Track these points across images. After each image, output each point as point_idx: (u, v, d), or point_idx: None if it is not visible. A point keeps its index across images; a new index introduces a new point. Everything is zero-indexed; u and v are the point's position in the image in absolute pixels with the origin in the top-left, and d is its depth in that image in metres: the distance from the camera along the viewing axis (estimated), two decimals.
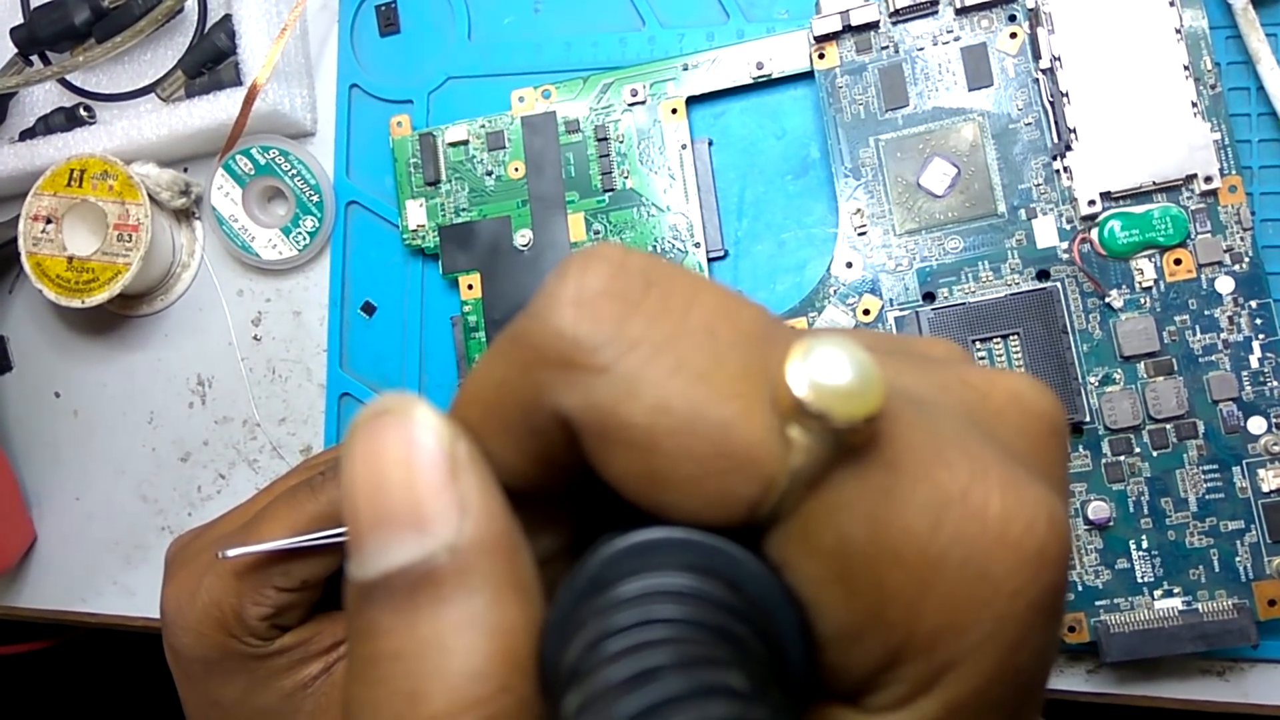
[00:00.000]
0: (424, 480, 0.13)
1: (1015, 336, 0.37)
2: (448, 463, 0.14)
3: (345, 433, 0.14)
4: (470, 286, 0.43)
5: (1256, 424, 0.35)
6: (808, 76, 0.41)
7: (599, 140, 0.42)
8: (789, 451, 0.12)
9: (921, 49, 0.38)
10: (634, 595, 0.13)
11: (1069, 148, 0.37)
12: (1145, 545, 0.36)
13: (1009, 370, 0.19)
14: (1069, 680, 0.38)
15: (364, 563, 0.13)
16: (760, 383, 0.13)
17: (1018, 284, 0.37)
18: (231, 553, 0.32)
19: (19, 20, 0.49)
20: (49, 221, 0.46)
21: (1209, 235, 0.36)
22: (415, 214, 0.44)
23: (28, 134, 0.49)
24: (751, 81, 0.41)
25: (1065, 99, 0.37)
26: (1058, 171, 0.37)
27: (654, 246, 0.41)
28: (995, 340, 0.37)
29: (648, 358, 0.13)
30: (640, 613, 0.12)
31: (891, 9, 0.38)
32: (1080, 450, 0.37)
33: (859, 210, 0.39)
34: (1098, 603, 0.36)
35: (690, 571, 0.13)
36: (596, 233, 0.42)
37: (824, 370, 0.12)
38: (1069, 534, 0.13)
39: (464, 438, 0.14)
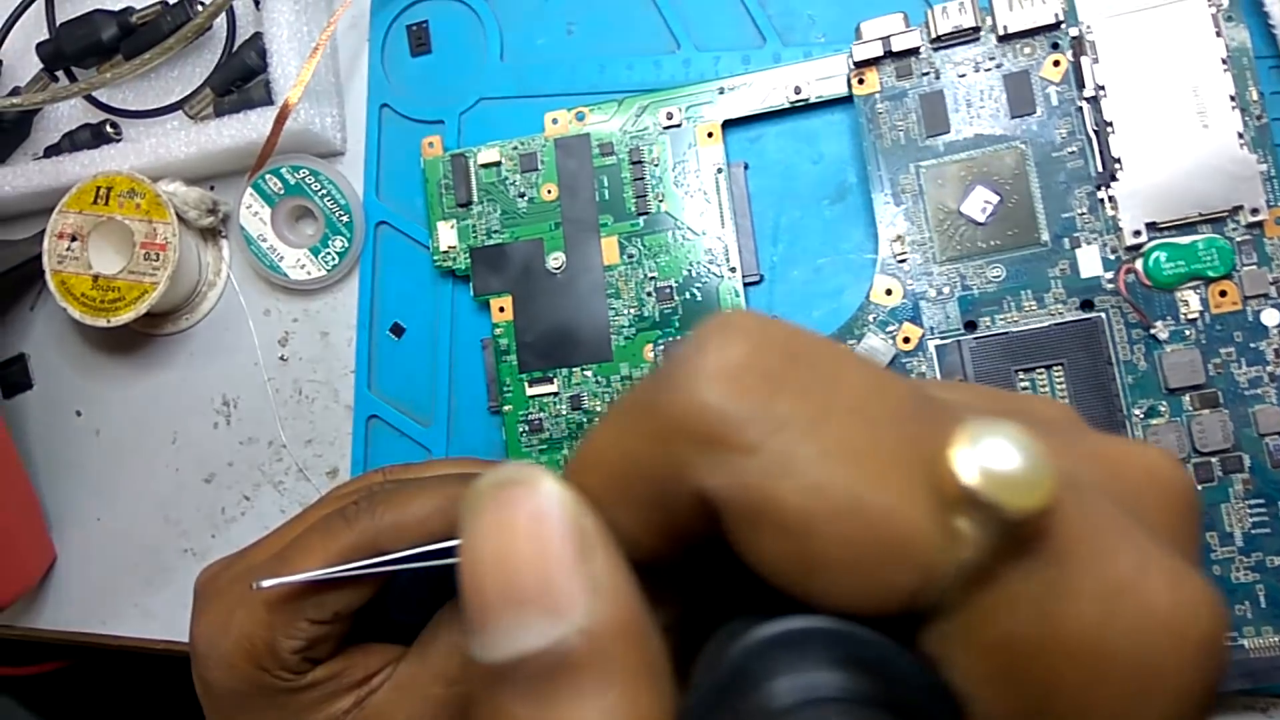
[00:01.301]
0: (555, 558, 0.13)
1: (1059, 367, 0.36)
2: (578, 539, 0.13)
3: (465, 503, 0.13)
4: (502, 309, 0.43)
5: None
6: (845, 101, 0.41)
7: (633, 163, 0.42)
8: (954, 542, 0.12)
9: (963, 75, 0.38)
10: (795, 702, 0.12)
11: (1114, 177, 0.36)
12: None
13: (1138, 441, 0.18)
14: None
15: (493, 644, 0.13)
16: (918, 466, 0.12)
17: (1061, 314, 0.37)
18: (266, 583, 0.31)
19: (46, 36, 0.49)
20: (74, 239, 0.46)
21: (1255, 267, 0.36)
22: (446, 235, 0.43)
23: (53, 150, 0.49)
24: (788, 106, 0.41)
25: (1110, 128, 0.36)
26: (1102, 201, 0.37)
27: (689, 271, 0.41)
28: (1039, 370, 0.37)
29: (799, 437, 0.12)
30: None
31: (933, 35, 0.38)
32: None
33: (899, 237, 0.38)
34: None
35: (845, 668, 0.12)
36: (630, 256, 0.42)
37: (994, 457, 0.12)
38: (1226, 623, 0.13)
39: (591, 512, 0.13)
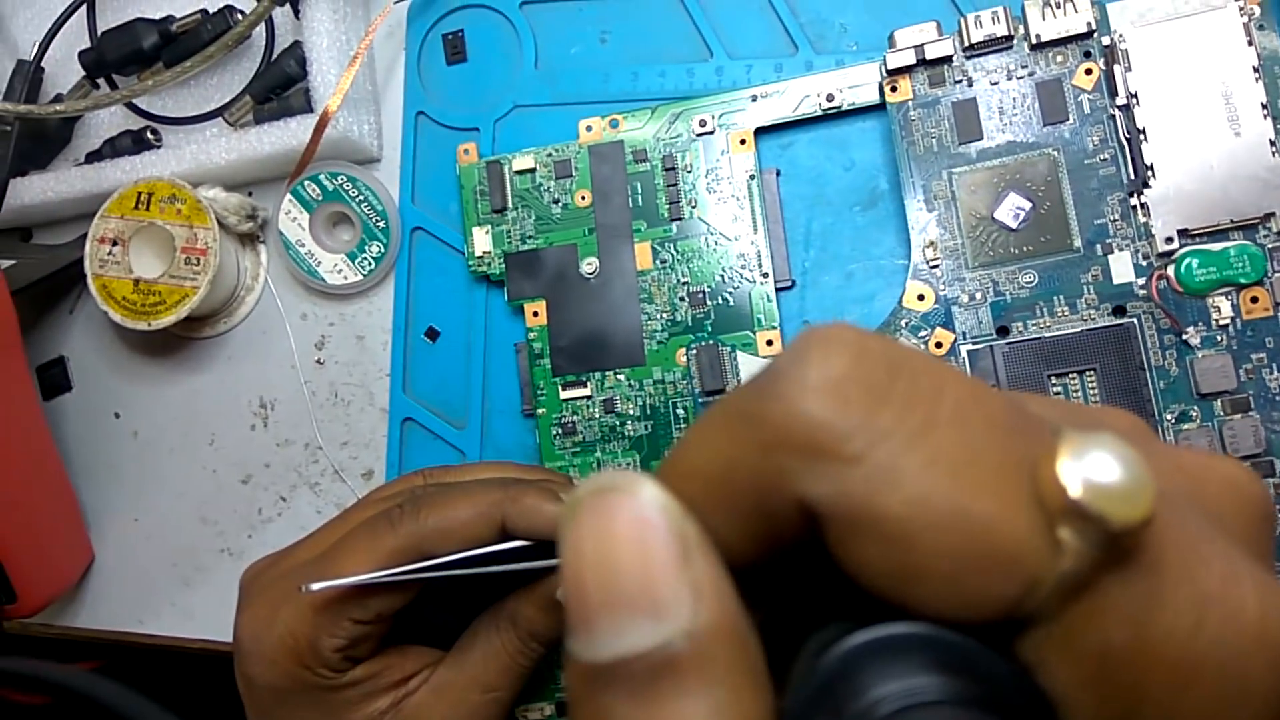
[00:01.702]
0: (658, 562, 0.13)
1: (1091, 372, 0.37)
2: (679, 544, 0.13)
3: (565, 508, 0.14)
4: (536, 314, 0.43)
5: None
6: (877, 109, 0.41)
7: (666, 170, 0.43)
8: (1056, 553, 0.12)
9: (996, 83, 0.39)
10: (898, 706, 0.12)
11: (1146, 184, 0.37)
12: None
13: (1216, 454, 0.19)
14: None
15: (596, 644, 0.13)
16: (1020, 478, 0.13)
17: (1094, 319, 0.37)
18: (315, 586, 0.32)
19: (87, 44, 0.50)
20: (115, 244, 0.47)
21: None
22: (481, 241, 0.44)
23: (94, 156, 0.50)
24: (820, 113, 0.41)
25: (1142, 136, 0.37)
26: (1134, 208, 0.37)
27: (721, 276, 0.42)
28: (1071, 376, 0.37)
29: (902, 448, 0.12)
30: None
31: (966, 43, 0.39)
32: None
33: (932, 243, 0.39)
34: None
35: (945, 672, 0.12)
36: (663, 261, 0.42)
37: (1098, 469, 0.12)
38: None
39: (691, 518, 0.14)
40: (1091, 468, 0.12)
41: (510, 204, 0.44)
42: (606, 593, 0.13)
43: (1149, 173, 0.36)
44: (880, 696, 0.12)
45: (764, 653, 0.13)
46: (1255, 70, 0.36)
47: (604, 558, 0.13)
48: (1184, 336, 0.36)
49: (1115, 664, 0.13)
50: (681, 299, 0.42)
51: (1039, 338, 0.37)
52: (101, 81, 0.50)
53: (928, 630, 0.13)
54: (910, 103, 0.39)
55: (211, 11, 0.48)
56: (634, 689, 0.13)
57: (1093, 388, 0.37)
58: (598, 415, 0.42)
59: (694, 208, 0.42)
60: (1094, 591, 0.13)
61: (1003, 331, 0.38)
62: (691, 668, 0.13)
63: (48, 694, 0.22)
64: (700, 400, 0.41)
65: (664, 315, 0.42)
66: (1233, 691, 0.12)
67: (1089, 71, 0.38)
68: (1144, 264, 0.37)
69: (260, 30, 0.48)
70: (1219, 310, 0.36)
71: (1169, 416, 0.36)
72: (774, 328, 0.41)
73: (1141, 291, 0.37)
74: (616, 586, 0.13)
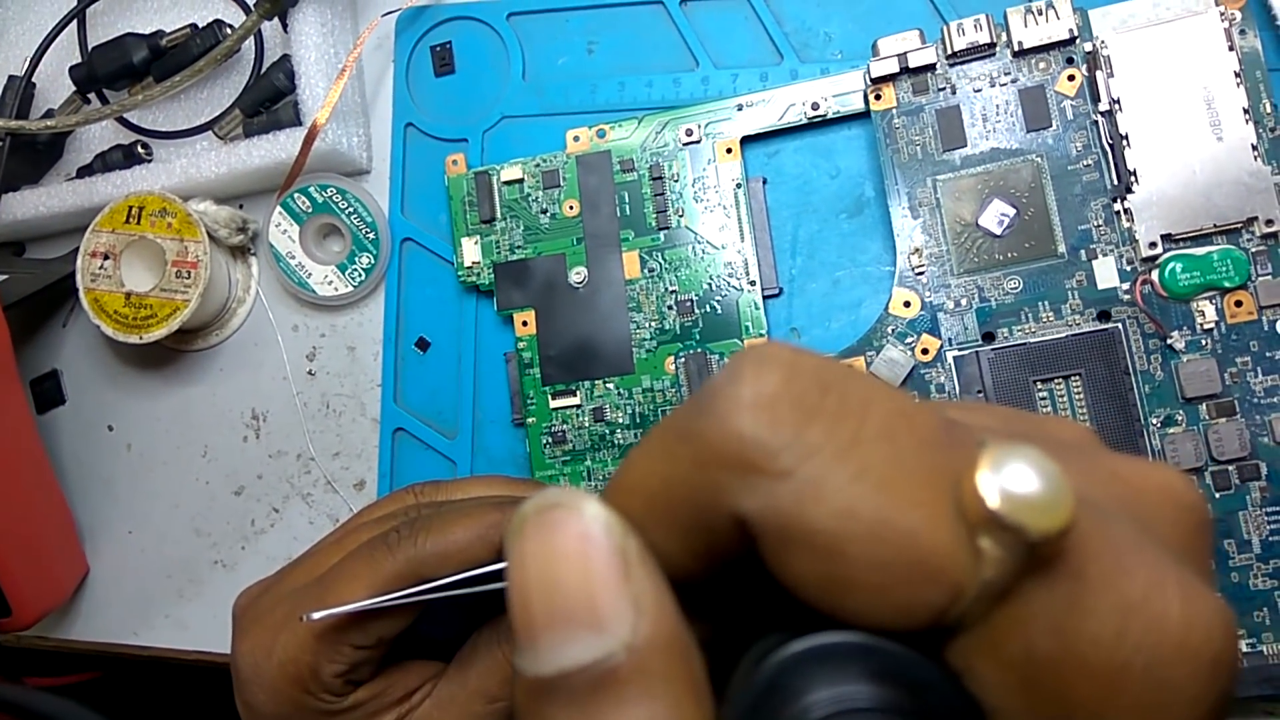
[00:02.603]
0: (599, 577, 0.13)
1: (1077, 377, 0.37)
2: (620, 559, 0.14)
3: (511, 525, 0.14)
4: (525, 323, 0.43)
5: None
6: (862, 117, 0.41)
7: (654, 179, 0.43)
8: (978, 562, 0.13)
9: (979, 90, 0.39)
10: (828, 713, 0.12)
11: (1129, 190, 0.37)
12: None
13: (1153, 462, 0.19)
14: None
15: (539, 659, 0.13)
16: (944, 490, 0.13)
17: (1079, 324, 0.37)
18: (316, 615, 0.32)
19: (78, 59, 0.50)
20: (106, 258, 0.47)
21: (1270, 277, 0.36)
22: (470, 251, 0.44)
23: (85, 171, 0.50)
24: (806, 121, 0.42)
25: (1125, 141, 0.37)
26: (1118, 213, 0.37)
27: (709, 284, 0.42)
28: (1056, 381, 0.37)
29: (830, 463, 0.13)
30: None
31: (949, 51, 0.39)
32: None
33: (917, 249, 0.39)
34: None
35: (876, 681, 0.13)
36: (651, 270, 0.42)
37: (1015, 481, 0.12)
38: (1237, 639, 0.14)
39: (633, 534, 0.14)
40: (1009, 479, 0.12)
41: (499, 214, 0.44)
42: (550, 607, 0.13)
43: (1132, 178, 0.37)
44: (812, 703, 0.13)
45: (706, 665, 0.14)
46: (1236, 75, 0.36)
47: (547, 573, 0.13)
48: (1169, 341, 0.37)
49: (1041, 671, 0.13)
50: (670, 307, 0.42)
51: (1024, 343, 0.37)
52: (92, 96, 0.51)
53: (860, 639, 0.13)
54: (894, 110, 0.40)
55: (200, 26, 0.48)
56: (576, 701, 0.13)
57: (1078, 393, 0.37)
58: (587, 424, 0.42)
59: (681, 216, 0.42)
60: (1017, 599, 0.13)
61: (988, 337, 0.38)
62: (632, 680, 0.13)
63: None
64: None
65: (652, 324, 0.42)
66: (1157, 698, 0.13)
67: (1071, 78, 0.38)
68: (1128, 269, 0.37)
69: (249, 44, 0.48)
70: (1203, 314, 0.36)
71: (1154, 421, 0.37)
72: (762, 335, 0.41)
73: (1126, 296, 0.37)
74: (559, 601, 0.13)
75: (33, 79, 0.51)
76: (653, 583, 0.14)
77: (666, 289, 0.42)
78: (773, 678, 0.13)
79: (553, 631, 0.13)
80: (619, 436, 0.42)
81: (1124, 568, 0.13)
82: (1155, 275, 0.37)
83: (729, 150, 0.42)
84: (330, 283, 0.46)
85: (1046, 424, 0.17)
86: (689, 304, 0.42)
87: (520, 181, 0.44)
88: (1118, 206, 0.37)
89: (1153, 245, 0.36)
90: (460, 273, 0.44)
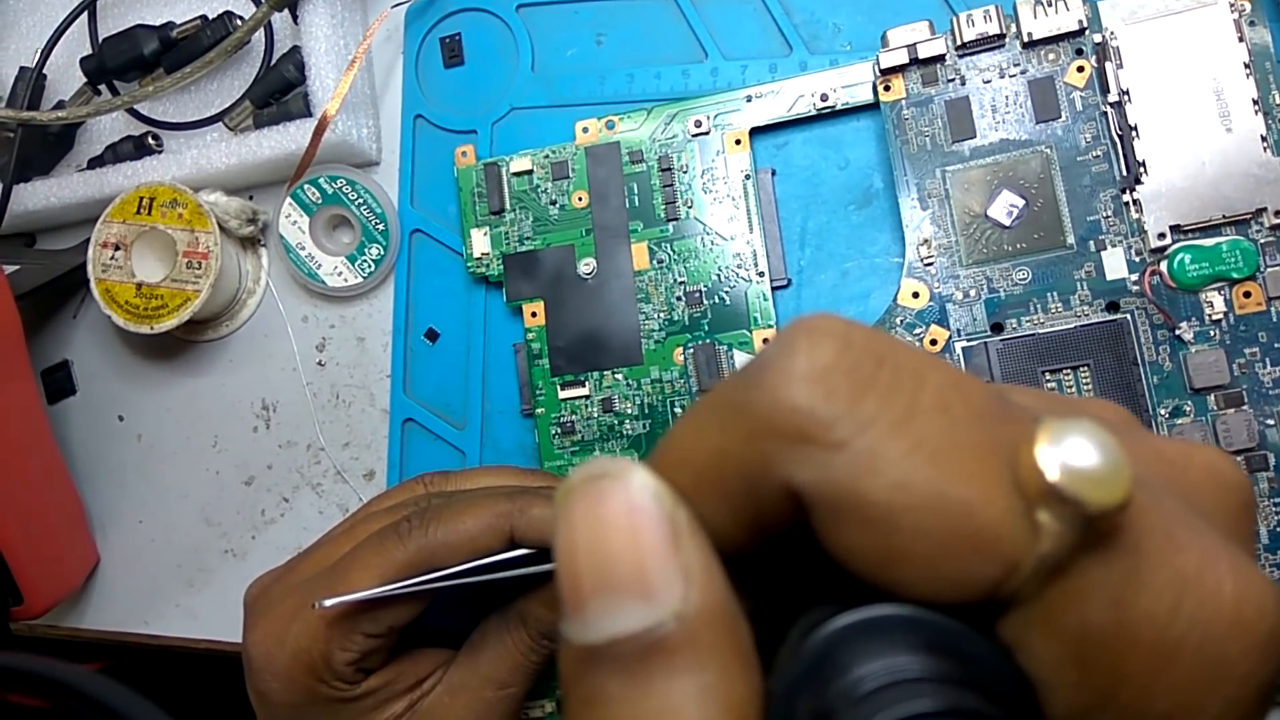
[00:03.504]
0: (649, 546, 0.13)
1: (1085, 368, 0.37)
2: (670, 529, 0.13)
3: (558, 494, 0.14)
4: (534, 314, 0.43)
5: None
6: (871, 108, 0.41)
7: (663, 170, 0.43)
8: (1035, 536, 0.13)
9: (988, 81, 0.39)
10: (880, 684, 0.12)
11: (1138, 181, 0.37)
12: None
13: (1197, 442, 0.19)
14: None
15: (587, 627, 0.13)
16: (999, 463, 0.13)
17: (1087, 315, 0.37)
18: (328, 603, 0.32)
19: (89, 50, 0.50)
20: (118, 248, 0.47)
21: (1279, 268, 0.36)
22: (480, 242, 0.44)
23: (96, 162, 0.50)
24: (815, 113, 0.42)
25: (1134, 132, 0.37)
26: (1127, 204, 0.37)
27: (718, 275, 0.42)
28: (1065, 371, 0.37)
29: (885, 435, 0.13)
30: (894, 703, 0.12)
31: (958, 42, 0.39)
32: None
33: (926, 240, 0.39)
34: None
35: (926, 652, 0.13)
36: (660, 261, 0.42)
37: (1075, 454, 0.12)
38: None
39: (682, 504, 0.14)
40: (1069, 453, 0.12)
41: (508, 205, 0.44)
42: (599, 576, 0.13)
43: (1141, 169, 0.37)
44: (863, 675, 0.13)
45: (754, 637, 0.14)
46: (1246, 66, 0.36)
47: (597, 542, 0.13)
48: (1177, 332, 0.37)
49: (1094, 645, 0.13)
50: (678, 298, 0.42)
51: (1033, 334, 0.38)
52: (103, 88, 0.51)
53: (911, 612, 0.13)
54: (904, 102, 0.40)
55: (211, 17, 0.48)
56: (625, 669, 0.13)
57: (1087, 384, 0.37)
58: (596, 414, 0.43)
59: (690, 208, 0.42)
60: (1073, 574, 0.13)
61: (997, 328, 0.38)
62: (681, 649, 0.13)
63: (49, 692, 0.22)
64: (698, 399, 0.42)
65: (661, 315, 0.42)
66: (1209, 673, 0.13)
67: (1081, 69, 0.38)
68: (1137, 260, 0.37)
69: (259, 36, 0.48)
70: (1212, 305, 0.36)
71: (1163, 411, 0.37)
72: (770, 326, 0.41)
73: (1135, 287, 0.37)
74: (609, 570, 0.13)
75: (44, 70, 0.51)
76: (702, 553, 0.14)
77: (675, 280, 0.42)
78: (823, 650, 0.13)
79: (602, 599, 0.13)
80: (628, 427, 0.42)
81: (1178, 544, 0.13)
82: (1164, 266, 0.37)
83: (738, 141, 0.42)
84: (340, 274, 0.46)
85: (1087, 404, 0.17)
86: (698, 295, 0.42)
87: (529, 173, 0.44)
88: (1127, 197, 0.37)
89: (1161, 236, 0.37)
90: (469, 264, 0.44)
